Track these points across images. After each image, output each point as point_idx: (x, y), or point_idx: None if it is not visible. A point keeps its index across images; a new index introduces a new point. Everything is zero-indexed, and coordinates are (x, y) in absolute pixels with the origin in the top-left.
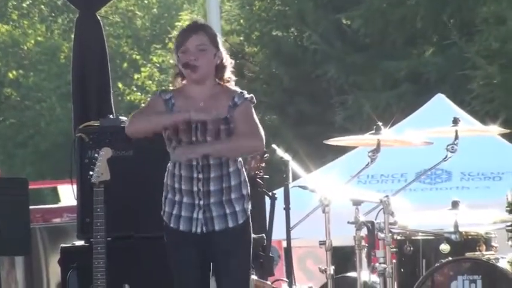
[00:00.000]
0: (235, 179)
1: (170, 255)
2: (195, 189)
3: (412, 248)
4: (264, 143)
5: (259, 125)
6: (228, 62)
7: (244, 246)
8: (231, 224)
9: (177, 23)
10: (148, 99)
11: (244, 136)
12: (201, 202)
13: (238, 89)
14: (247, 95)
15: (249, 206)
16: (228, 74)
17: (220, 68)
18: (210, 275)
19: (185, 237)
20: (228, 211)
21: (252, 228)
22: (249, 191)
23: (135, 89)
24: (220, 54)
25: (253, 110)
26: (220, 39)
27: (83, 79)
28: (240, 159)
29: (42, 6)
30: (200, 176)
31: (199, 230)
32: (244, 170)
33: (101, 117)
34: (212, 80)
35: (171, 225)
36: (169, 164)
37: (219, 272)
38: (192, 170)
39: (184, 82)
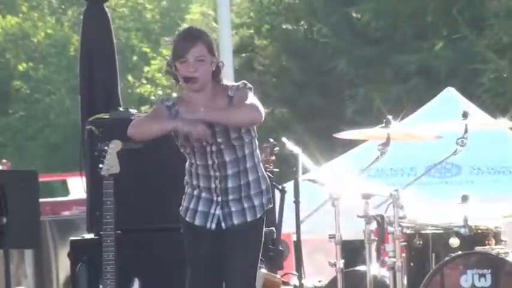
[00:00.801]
0: (253, 174)
1: (186, 249)
2: (213, 186)
3: (421, 242)
4: (263, 116)
5: (258, 102)
6: (221, 64)
7: (258, 239)
8: (249, 218)
9: (187, 16)
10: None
11: (241, 106)
12: (219, 198)
13: (232, 83)
14: (239, 84)
15: (269, 198)
16: (221, 75)
17: (216, 73)
18: (221, 268)
19: (200, 233)
20: (246, 205)
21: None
22: (268, 184)
23: (145, 81)
24: (215, 59)
25: (249, 92)
26: (213, 44)
27: (90, 71)
28: (257, 154)
29: None
30: (217, 174)
31: (214, 226)
32: (261, 165)
33: (108, 109)
34: (210, 86)
35: (186, 218)
36: (186, 164)
37: (231, 263)
38: (208, 169)
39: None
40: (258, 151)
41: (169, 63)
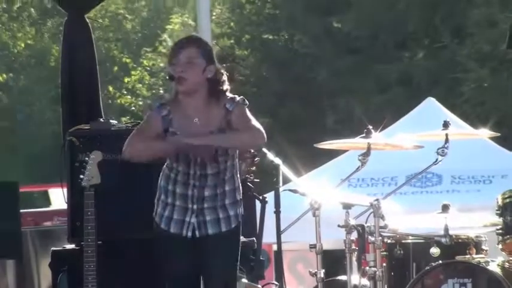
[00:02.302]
0: (230, 184)
1: (160, 257)
2: (190, 193)
3: (402, 252)
4: (265, 139)
5: (258, 123)
6: (224, 76)
7: (234, 249)
8: (224, 229)
9: (167, 26)
10: (145, 116)
11: (248, 131)
12: (195, 206)
13: (228, 95)
14: (237, 98)
15: (242, 210)
16: (225, 87)
17: (213, 82)
18: (200, 280)
19: (176, 241)
20: (221, 215)
21: (242, 232)
22: (240, 196)
23: (125, 92)
24: (212, 68)
25: (247, 111)
26: (214, 54)
27: (71, 82)
28: (237, 164)
29: (32, 10)
30: (197, 183)
31: (190, 234)
32: (238, 176)
33: (90, 120)
34: (204, 92)
35: (162, 226)
36: (164, 167)
37: (207, 274)
38: (189, 177)
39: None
40: (237, 161)
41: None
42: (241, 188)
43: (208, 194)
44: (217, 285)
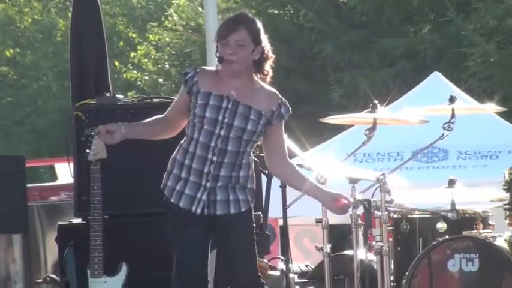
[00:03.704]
0: (245, 171)
1: (171, 229)
2: (206, 170)
3: (408, 227)
4: None
5: None
6: (270, 57)
7: (247, 231)
8: (233, 211)
9: (173, 1)
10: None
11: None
12: (208, 184)
13: (282, 98)
14: (285, 114)
15: (253, 200)
16: (267, 67)
17: (259, 62)
18: (209, 252)
19: (185, 215)
20: (231, 197)
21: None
22: (254, 186)
23: (131, 67)
24: (259, 49)
25: None
26: (263, 35)
27: (80, 57)
28: (252, 155)
29: None
30: (214, 158)
31: (199, 211)
32: (253, 166)
33: (99, 95)
34: (249, 74)
35: (172, 199)
36: (182, 141)
37: (226, 256)
38: (208, 150)
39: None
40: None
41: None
42: (254, 178)
43: (224, 174)
44: (237, 268)
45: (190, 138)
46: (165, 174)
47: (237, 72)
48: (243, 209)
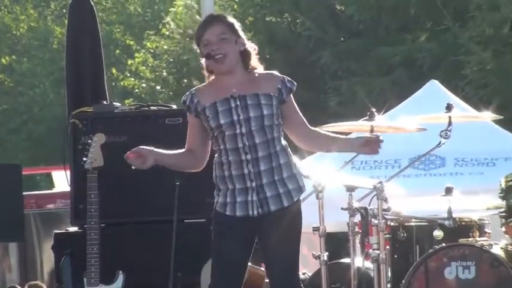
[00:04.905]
0: (284, 157)
1: (218, 241)
2: (246, 171)
3: (405, 234)
4: None
5: None
6: (252, 48)
7: (298, 226)
8: (286, 203)
9: (170, 9)
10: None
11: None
12: (253, 184)
13: (276, 73)
14: (289, 84)
15: (304, 183)
16: (254, 61)
17: (245, 55)
18: (246, 264)
19: (241, 224)
20: (281, 190)
21: None
22: (300, 170)
23: (128, 74)
24: (242, 40)
25: None
26: (238, 26)
27: (76, 64)
28: (283, 139)
29: None
30: (248, 157)
31: (255, 213)
32: (289, 150)
33: (95, 103)
34: (241, 68)
35: (227, 213)
36: (215, 158)
37: (271, 250)
38: (239, 152)
39: (213, 77)
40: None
41: (201, 56)
42: (297, 163)
43: (264, 168)
44: (282, 262)
45: (219, 151)
46: (214, 193)
47: (230, 66)
48: (295, 199)
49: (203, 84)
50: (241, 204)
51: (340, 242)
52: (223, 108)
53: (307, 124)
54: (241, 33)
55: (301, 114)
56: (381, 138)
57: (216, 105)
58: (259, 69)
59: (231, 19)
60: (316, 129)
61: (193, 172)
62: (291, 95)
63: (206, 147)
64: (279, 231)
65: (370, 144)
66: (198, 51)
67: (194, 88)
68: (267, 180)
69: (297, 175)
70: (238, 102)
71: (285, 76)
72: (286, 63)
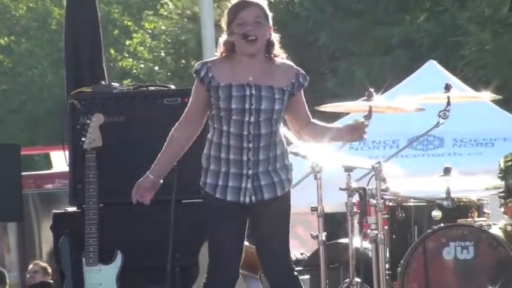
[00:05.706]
0: (280, 148)
1: (212, 225)
2: (245, 158)
3: (404, 215)
4: None
5: None
6: (276, 38)
7: (288, 213)
8: (279, 193)
9: None
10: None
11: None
12: (250, 171)
13: (296, 68)
14: (304, 81)
15: (292, 175)
16: (277, 49)
17: (270, 43)
18: (242, 248)
19: (232, 208)
20: (275, 179)
21: None
22: (289, 161)
23: (127, 55)
24: (270, 29)
25: None
26: (270, 16)
27: (75, 45)
28: (281, 130)
29: None
30: (250, 145)
31: (247, 200)
32: (284, 140)
33: (93, 83)
34: (262, 54)
35: (217, 195)
36: (209, 135)
37: (263, 238)
38: (243, 139)
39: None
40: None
41: (226, 32)
42: (288, 152)
43: (263, 158)
44: (275, 248)
45: (220, 131)
46: (202, 171)
47: (258, 50)
48: (287, 189)
49: (217, 57)
50: (232, 189)
51: (339, 222)
52: (237, 94)
53: (310, 118)
54: (271, 22)
55: (306, 108)
56: (366, 123)
57: (232, 88)
58: (280, 57)
59: (267, 7)
60: (315, 121)
61: (191, 151)
62: (302, 90)
63: (203, 119)
64: (271, 217)
65: (355, 131)
66: (224, 26)
67: (210, 60)
68: (263, 169)
69: (288, 166)
70: (253, 91)
71: (300, 69)
72: (283, 44)
